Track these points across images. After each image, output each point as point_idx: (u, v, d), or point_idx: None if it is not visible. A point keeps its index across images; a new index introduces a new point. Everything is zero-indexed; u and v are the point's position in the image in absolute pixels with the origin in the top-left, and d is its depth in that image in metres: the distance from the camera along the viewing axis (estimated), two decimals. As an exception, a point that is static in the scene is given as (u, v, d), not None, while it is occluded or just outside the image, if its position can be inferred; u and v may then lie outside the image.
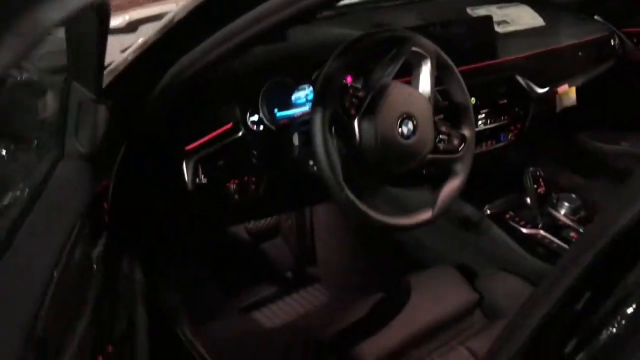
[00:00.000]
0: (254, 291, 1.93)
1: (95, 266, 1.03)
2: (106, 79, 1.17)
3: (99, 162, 1.10)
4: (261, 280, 1.97)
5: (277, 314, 1.84)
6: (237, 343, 1.69)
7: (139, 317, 1.30)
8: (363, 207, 1.14)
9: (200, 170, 1.29)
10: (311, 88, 1.46)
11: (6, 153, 1.01)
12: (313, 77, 1.47)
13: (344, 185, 1.13)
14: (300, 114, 1.44)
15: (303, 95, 1.45)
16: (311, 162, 1.33)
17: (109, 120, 1.08)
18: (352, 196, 1.13)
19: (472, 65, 1.57)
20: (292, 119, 1.43)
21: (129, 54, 1.17)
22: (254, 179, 1.37)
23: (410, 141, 1.21)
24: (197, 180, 1.29)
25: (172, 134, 1.29)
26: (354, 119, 1.17)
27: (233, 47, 1.01)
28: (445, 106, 1.39)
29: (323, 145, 1.10)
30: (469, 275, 1.53)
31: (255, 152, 1.37)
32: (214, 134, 1.33)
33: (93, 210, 1.09)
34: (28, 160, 1.05)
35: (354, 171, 1.19)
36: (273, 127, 1.38)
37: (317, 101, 1.13)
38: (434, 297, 1.44)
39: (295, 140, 1.36)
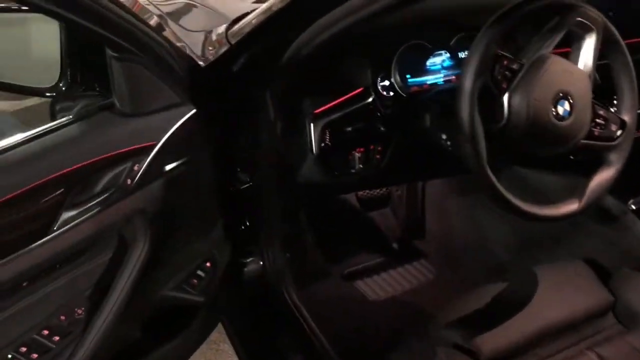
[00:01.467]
0: (357, 259, 1.88)
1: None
2: (233, 38, 1.15)
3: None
4: (366, 248, 1.92)
5: (382, 285, 1.79)
6: (341, 311, 1.66)
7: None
8: (505, 193, 1.04)
9: (327, 134, 1.23)
10: (448, 54, 1.36)
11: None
12: (451, 43, 1.37)
13: (487, 167, 1.03)
14: (433, 81, 1.35)
15: (439, 61, 1.36)
16: (444, 136, 1.24)
17: None
18: (494, 179, 1.03)
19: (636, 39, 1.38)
20: (423, 86, 1.34)
21: (254, 17, 1.15)
22: (379, 148, 1.30)
23: (564, 123, 1.08)
24: (323, 144, 1.24)
25: (301, 96, 1.24)
26: (504, 94, 1.06)
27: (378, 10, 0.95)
28: (602, 85, 1.24)
29: (469, 119, 1.01)
30: (603, 274, 1.39)
31: (383, 120, 1.30)
32: (344, 98, 1.27)
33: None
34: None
35: (495, 150, 1.09)
36: (403, 94, 1.31)
37: (467, 71, 1.02)
38: (563, 294, 1.32)
39: (427, 109, 1.27)
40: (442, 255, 1.88)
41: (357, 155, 1.28)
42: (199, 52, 1.29)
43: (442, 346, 1.27)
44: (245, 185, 1.51)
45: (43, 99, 1.80)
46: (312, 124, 1.22)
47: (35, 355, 1.00)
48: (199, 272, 1.35)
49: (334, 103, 1.25)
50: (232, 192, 1.48)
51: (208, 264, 1.37)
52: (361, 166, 1.29)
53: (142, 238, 1.09)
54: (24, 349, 0.99)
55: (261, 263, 1.55)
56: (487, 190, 1.03)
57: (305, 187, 1.37)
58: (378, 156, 1.30)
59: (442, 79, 1.36)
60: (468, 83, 1.01)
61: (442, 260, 1.86)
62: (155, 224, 1.11)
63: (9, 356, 0.97)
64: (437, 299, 1.66)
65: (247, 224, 1.57)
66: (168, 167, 1.12)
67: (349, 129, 1.26)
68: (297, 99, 1.25)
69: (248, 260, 1.55)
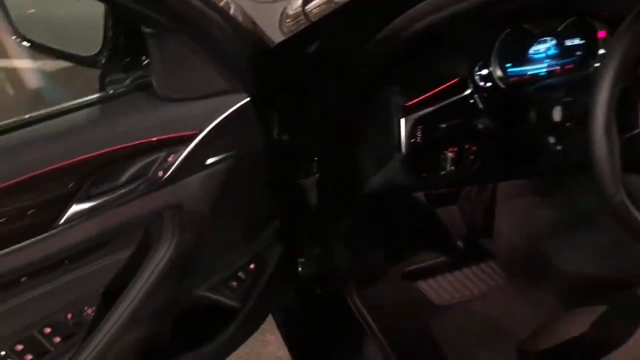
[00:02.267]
0: (419, 257, 1.75)
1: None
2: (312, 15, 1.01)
3: None
4: (428, 246, 1.78)
5: (446, 288, 1.66)
6: (403, 314, 1.55)
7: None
8: None
9: (419, 131, 1.09)
10: (554, 41, 1.20)
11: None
12: (559, 29, 1.21)
13: (621, 186, 0.88)
14: (535, 72, 1.20)
15: (543, 49, 1.20)
16: (552, 139, 1.09)
17: None
18: (628, 201, 0.89)
19: None
20: (524, 77, 1.19)
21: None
22: (474, 147, 1.16)
23: None
24: (413, 142, 1.10)
25: (389, 87, 1.09)
26: None
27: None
28: None
29: (606, 135, 0.86)
30: None
31: (481, 116, 1.15)
32: (438, 89, 1.12)
33: None
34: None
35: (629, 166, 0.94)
36: (502, 85, 1.16)
37: (606, 75, 0.87)
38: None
39: (532, 106, 1.13)
40: (511, 258, 1.74)
41: (450, 155, 1.14)
42: (270, 29, 1.15)
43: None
44: (307, 179, 1.39)
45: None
46: (403, 119, 1.08)
47: (29, 357, 0.90)
48: (240, 275, 1.24)
49: (427, 95, 1.11)
50: (290, 186, 1.36)
51: (252, 266, 1.26)
52: (453, 168, 1.15)
53: (170, 236, 0.98)
54: (19, 347, 0.90)
55: (318, 261, 1.44)
56: (619, 212, 0.89)
57: (380, 188, 1.24)
58: (472, 157, 1.16)
59: (544, 70, 1.21)
60: (606, 90, 0.86)
61: (511, 263, 1.72)
62: (189, 222, 0.99)
63: (2, 353, 0.88)
64: (510, 309, 1.54)
65: (304, 220, 1.45)
66: (210, 161, 0.99)
67: (443, 125, 1.12)
68: (384, 89, 1.10)
69: (304, 259, 1.43)
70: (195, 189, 0.99)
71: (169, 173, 0.93)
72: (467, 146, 1.15)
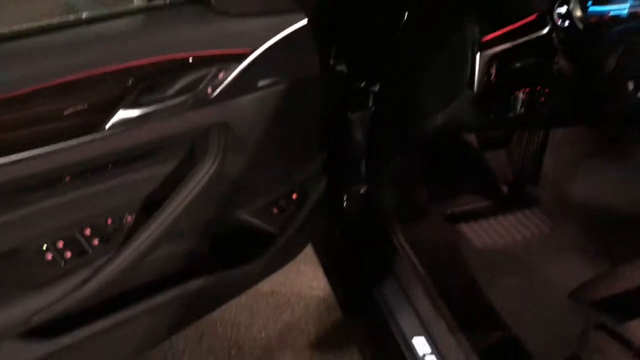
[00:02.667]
0: (463, 200, 1.73)
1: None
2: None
3: None
4: (473, 190, 1.76)
5: (489, 232, 1.64)
6: (446, 256, 1.55)
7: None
8: None
9: (493, 68, 1.04)
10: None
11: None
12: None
13: None
14: (616, 12, 1.13)
15: (629, -13, 1.12)
16: (631, 85, 1.04)
17: None
18: None
19: None
20: (604, 17, 1.12)
21: None
22: (546, 90, 1.11)
23: None
24: (486, 79, 1.05)
25: (469, 19, 1.03)
26: None
27: None
28: None
29: None
30: None
31: (557, 56, 1.09)
32: (516, 25, 1.06)
33: None
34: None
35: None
36: (580, 25, 1.09)
37: None
38: None
39: (612, 49, 1.06)
40: (557, 207, 1.71)
41: (521, 96, 1.09)
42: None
43: (575, 320, 1.14)
44: (360, 113, 1.36)
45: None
46: (478, 55, 1.02)
47: (69, 254, 0.92)
48: (282, 203, 1.24)
49: (504, 31, 1.05)
50: (341, 118, 1.33)
51: (294, 196, 1.25)
52: (522, 109, 1.10)
53: (214, 154, 0.97)
54: (60, 244, 0.91)
55: (363, 197, 1.43)
56: None
57: (441, 126, 1.20)
58: (543, 99, 1.11)
59: (626, 11, 1.13)
60: None
61: (557, 213, 1.69)
62: (235, 142, 0.99)
63: (44, 247, 0.90)
64: (556, 259, 1.52)
65: (352, 154, 1.43)
66: (262, 83, 0.97)
67: (517, 64, 1.06)
68: (461, 20, 1.04)
69: (349, 193, 1.42)
70: (244, 110, 0.97)
71: (218, 90, 0.91)
72: (539, 88, 1.10)
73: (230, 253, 1.18)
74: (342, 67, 1.21)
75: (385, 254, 1.44)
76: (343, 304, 1.65)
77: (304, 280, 1.93)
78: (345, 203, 1.44)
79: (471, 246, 1.59)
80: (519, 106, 1.10)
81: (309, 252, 2.00)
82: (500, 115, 1.12)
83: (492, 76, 1.05)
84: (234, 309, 1.80)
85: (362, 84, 1.30)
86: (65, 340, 0.94)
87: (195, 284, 1.10)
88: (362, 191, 1.45)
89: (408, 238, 1.45)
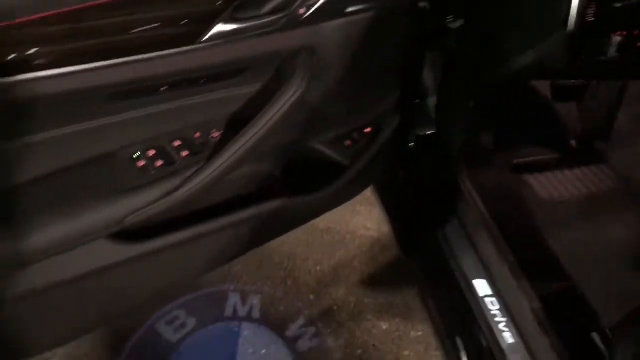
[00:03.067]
0: (531, 150, 1.70)
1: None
2: None
3: None
4: (540, 141, 1.72)
5: (555, 185, 1.62)
6: (509, 202, 1.54)
7: None
8: None
9: (592, 7, 1.00)
10: None
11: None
12: None
13: None
14: None
15: None
16: None
17: None
18: None
19: None
20: None
21: None
22: (644, 34, 1.06)
23: None
24: (583, 18, 1.01)
25: None
26: None
27: None
28: None
29: None
30: None
31: None
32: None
33: None
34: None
35: None
36: None
37: None
38: None
39: None
40: (627, 164, 1.66)
41: (617, 39, 1.05)
42: None
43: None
44: (441, 51, 1.33)
45: None
46: None
47: (160, 163, 0.95)
48: (355, 136, 1.25)
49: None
50: (421, 55, 1.31)
51: (368, 130, 1.25)
52: (616, 54, 1.06)
53: (301, 78, 0.99)
54: (151, 153, 0.95)
55: (433, 137, 1.42)
56: None
57: (528, 67, 1.17)
58: (639, 44, 1.06)
59: None
60: None
61: (626, 169, 1.65)
62: (321, 68, 1.00)
63: (135, 155, 0.93)
64: (622, 216, 1.49)
65: (426, 94, 1.41)
66: (351, 9, 0.97)
67: (619, 4, 1.01)
68: None
69: (419, 132, 1.41)
70: (332, 36, 0.97)
71: (310, 12, 0.92)
72: (636, 32, 1.05)
73: (301, 181, 1.20)
74: (424, 4, 1.19)
75: (450, 197, 1.44)
76: (404, 243, 1.67)
77: (359, 220, 1.96)
78: (412, 144, 1.43)
79: (536, 197, 1.57)
80: (613, 50, 1.06)
81: (365, 193, 2.01)
82: (592, 59, 1.08)
83: (590, 15, 1.01)
84: (292, 242, 1.85)
85: (444, 21, 1.27)
86: (148, 246, 0.99)
87: (269, 206, 1.13)
88: (429, 133, 1.45)
89: (474, 183, 1.45)
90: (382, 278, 1.79)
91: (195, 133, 0.97)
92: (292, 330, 1.64)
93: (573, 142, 1.73)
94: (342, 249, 1.87)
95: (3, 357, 1.02)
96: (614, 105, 1.68)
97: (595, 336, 1.19)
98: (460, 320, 1.33)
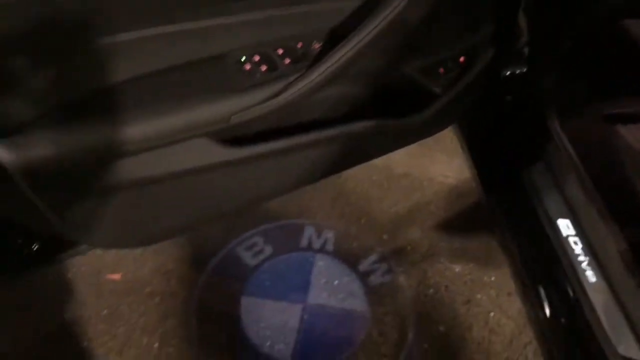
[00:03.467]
0: (623, 100, 1.63)
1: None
2: None
3: None
4: (635, 91, 1.64)
5: (649, 137, 1.55)
6: (603, 154, 1.48)
7: None
8: None
9: None
10: None
11: None
12: None
13: None
14: None
15: None
16: None
17: None
18: None
19: None
20: None
21: None
22: None
23: None
24: None
25: None
26: None
27: None
28: None
29: None
30: None
31: None
32: None
33: None
34: None
35: None
36: None
37: None
38: None
39: None
40: None
41: None
42: None
43: None
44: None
45: None
46: None
47: (264, 68, 0.98)
48: (449, 64, 1.23)
49: None
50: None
51: (462, 59, 1.24)
52: None
53: None
54: (256, 58, 0.98)
55: (525, 75, 1.39)
56: None
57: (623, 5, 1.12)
58: None
59: None
60: None
61: None
62: None
63: (243, 58, 0.96)
64: None
65: (519, 30, 1.38)
66: None
67: None
68: None
69: (511, 69, 1.39)
70: None
71: None
72: None
73: (392, 107, 1.21)
74: None
75: (538, 138, 1.41)
76: (487, 183, 1.65)
77: (437, 167, 1.95)
78: (502, 78, 1.41)
79: (628, 148, 1.51)
80: None
81: (446, 142, 2.00)
82: None
83: None
84: (368, 184, 1.87)
85: None
86: (246, 151, 1.04)
87: (361, 126, 1.15)
88: (519, 72, 1.42)
89: (566, 129, 1.41)
90: (457, 224, 1.79)
91: (298, 43, 1.00)
92: (365, 265, 1.67)
93: (673, 95, 1.64)
94: (418, 193, 1.88)
95: (101, 243, 1.11)
96: None
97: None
98: (542, 263, 1.31)
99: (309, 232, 1.74)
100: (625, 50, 1.69)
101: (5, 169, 0.83)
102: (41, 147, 0.83)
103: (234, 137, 1.02)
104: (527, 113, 1.44)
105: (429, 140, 1.98)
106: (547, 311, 1.25)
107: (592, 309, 1.15)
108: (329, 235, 1.73)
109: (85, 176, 0.91)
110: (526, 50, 1.42)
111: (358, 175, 1.89)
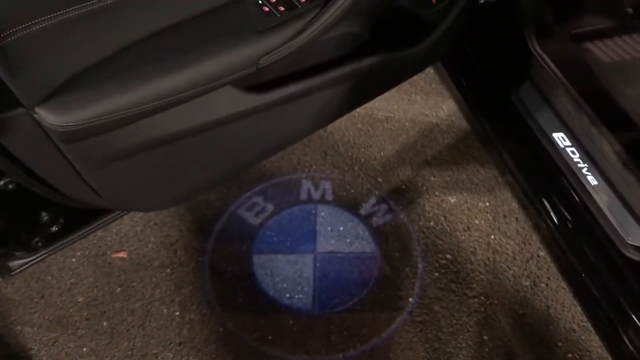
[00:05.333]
0: (587, 20, 1.72)
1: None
2: None
3: None
4: (596, 10, 1.74)
5: (614, 49, 1.64)
6: (575, 66, 1.57)
7: None
8: None
9: None
10: None
11: None
12: None
13: None
14: None
15: None
16: None
17: None
18: None
19: None
20: None
21: None
22: None
23: None
24: None
25: None
26: None
27: None
28: None
29: None
30: None
31: None
32: None
33: None
34: None
35: None
36: None
37: None
38: None
39: None
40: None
41: None
42: None
43: None
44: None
45: None
46: None
47: (282, 8, 1.00)
48: None
49: None
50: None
51: None
52: None
53: None
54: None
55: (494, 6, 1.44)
56: None
57: None
58: None
59: None
60: None
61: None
62: None
63: (259, 1, 0.99)
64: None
65: None
66: None
67: None
68: None
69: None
70: None
71: None
72: None
73: (393, 41, 1.24)
74: None
75: (522, 60, 1.48)
76: (477, 108, 1.72)
77: (416, 108, 2.01)
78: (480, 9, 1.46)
79: (599, 62, 1.60)
80: None
81: (419, 82, 2.06)
82: None
83: None
84: (353, 133, 1.91)
85: None
86: (271, 96, 1.05)
87: (367, 62, 1.18)
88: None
89: (544, 49, 1.48)
90: (445, 158, 1.86)
91: None
92: (365, 208, 1.72)
93: (630, 9, 1.75)
94: (403, 135, 1.93)
95: (134, 204, 1.10)
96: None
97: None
98: (544, 176, 1.39)
99: (306, 185, 1.76)
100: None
101: (46, 132, 0.82)
102: (80, 109, 0.81)
103: (256, 83, 1.03)
104: (509, 36, 1.50)
105: (404, 84, 2.04)
106: (555, 219, 1.34)
107: (599, 209, 1.24)
108: (327, 185, 1.76)
109: (119, 137, 0.90)
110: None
111: (343, 126, 1.92)
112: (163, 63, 0.87)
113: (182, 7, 0.88)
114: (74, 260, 1.58)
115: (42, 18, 0.73)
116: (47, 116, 0.79)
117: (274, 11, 0.97)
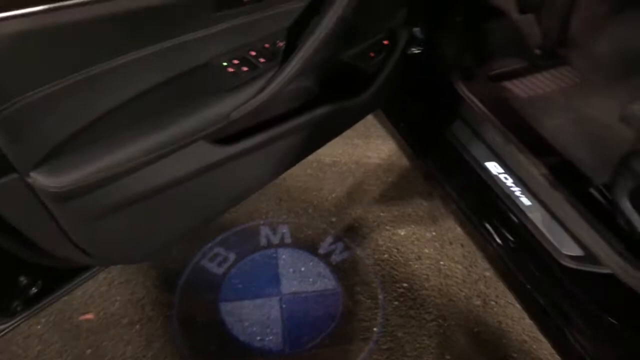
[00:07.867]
0: (501, 63, 1.94)
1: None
2: None
3: None
4: (508, 53, 1.96)
5: (529, 86, 1.86)
6: (495, 104, 1.75)
7: None
8: None
9: None
10: None
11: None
12: None
13: None
14: None
15: None
16: None
17: None
18: None
19: None
20: None
21: None
22: None
23: None
24: None
25: None
26: None
27: None
28: None
29: None
30: None
31: None
32: None
33: None
34: None
35: None
36: None
37: None
38: None
39: None
40: (586, 62, 1.93)
41: None
42: None
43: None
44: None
45: None
46: None
47: (245, 68, 1.11)
48: (376, 47, 1.44)
49: None
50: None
51: (386, 42, 1.45)
52: None
53: None
54: (236, 62, 1.11)
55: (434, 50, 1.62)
56: None
57: None
58: None
59: None
60: None
61: (587, 66, 1.91)
62: None
63: (224, 63, 1.09)
64: (593, 102, 1.74)
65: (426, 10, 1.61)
66: None
67: None
68: None
69: (423, 46, 1.62)
70: None
71: None
72: None
73: (339, 93, 1.38)
74: None
75: (450, 101, 1.66)
76: (417, 147, 1.87)
77: (359, 151, 2.15)
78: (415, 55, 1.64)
79: (517, 97, 1.81)
80: None
81: (360, 128, 2.21)
82: None
83: None
84: (304, 179, 2.02)
85: None
86: (237, 147, 1.15)
87: (320, 112, 1.30)
88: (417, 52, 1.66)
89: (471, 90, 1.67)
90: (391, 194, 2.00)
91: (264, 44, 1.13)
92: (323, 247, 1.81)
93: (537, 51, 1.98)
94: (350, 176, 2.06)
95: (115, 259, 1.14)
96: (567, 11, 1.94)
97: (593, 190, 1.43)
98: (483, 203, 1.55)
99: (264, 231, 1.84)
100: (495, 20, 2.00)
101: (37, 194, 0.87)
102: (74, 170, 0.87)
103: (224, 136, 1.13)
104: (438, 81, 1.68)
105: (348, 131, 2.19)
106: (498, 240, 1.48)
107: (535, 226, 1.40)
108: (284, 229, 1.85)
109: (107, 193, 0.96)
110: (424, 31, 1.66)
111: (294, 173, 2.03)
112: (146, 122, 0.95)
113: (158, 73, 0.97)
114: (39, 327, 1.58)
115: (43, 87, 0.80)
116: (42, 179, 0.85)
117: (238, 72, 1.08)
